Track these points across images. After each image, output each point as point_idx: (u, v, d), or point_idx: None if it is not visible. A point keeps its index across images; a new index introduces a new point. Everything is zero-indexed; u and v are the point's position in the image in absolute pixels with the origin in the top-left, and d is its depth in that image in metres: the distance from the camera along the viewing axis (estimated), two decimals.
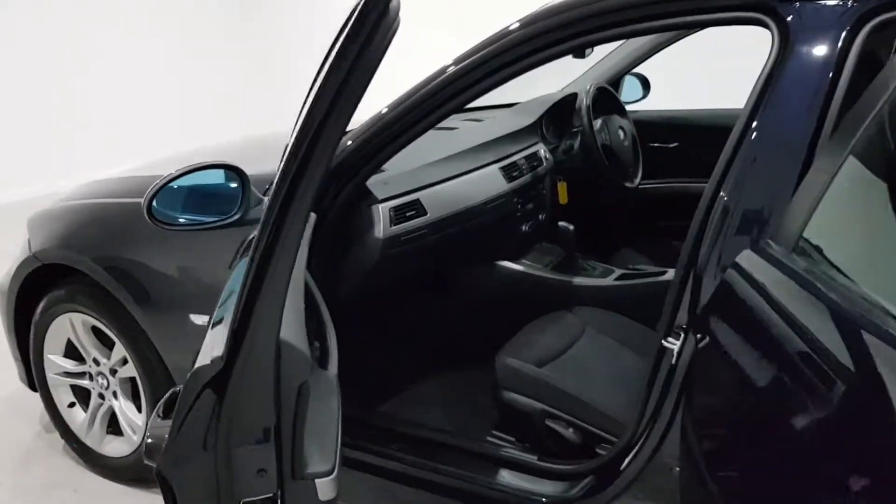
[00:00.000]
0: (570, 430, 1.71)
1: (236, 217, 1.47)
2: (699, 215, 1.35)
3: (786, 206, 1.23)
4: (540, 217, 2.43)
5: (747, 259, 1.16)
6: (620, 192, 2.60)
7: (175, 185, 1.40)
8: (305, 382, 0.95)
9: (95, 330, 2.16)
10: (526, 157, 2.37)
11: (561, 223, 2.29)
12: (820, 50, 1.23)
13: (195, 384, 0.91)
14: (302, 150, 0.87)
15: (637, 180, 2.64)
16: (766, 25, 1.30)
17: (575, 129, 2.65)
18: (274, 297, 0.88)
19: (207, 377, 0.90)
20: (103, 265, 1.99)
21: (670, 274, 2.16)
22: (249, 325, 0.87)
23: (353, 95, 0.88)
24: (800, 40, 1.25)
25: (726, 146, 1.33)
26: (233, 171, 1.47)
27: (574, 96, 2.73)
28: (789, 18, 1.26)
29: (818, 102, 1.22)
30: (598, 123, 2.55)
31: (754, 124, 1.28)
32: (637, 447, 1.44)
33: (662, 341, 1.38)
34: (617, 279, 2.25)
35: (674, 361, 1.35)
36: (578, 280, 2.25)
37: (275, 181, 0.93)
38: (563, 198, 2.55)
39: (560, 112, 2.68)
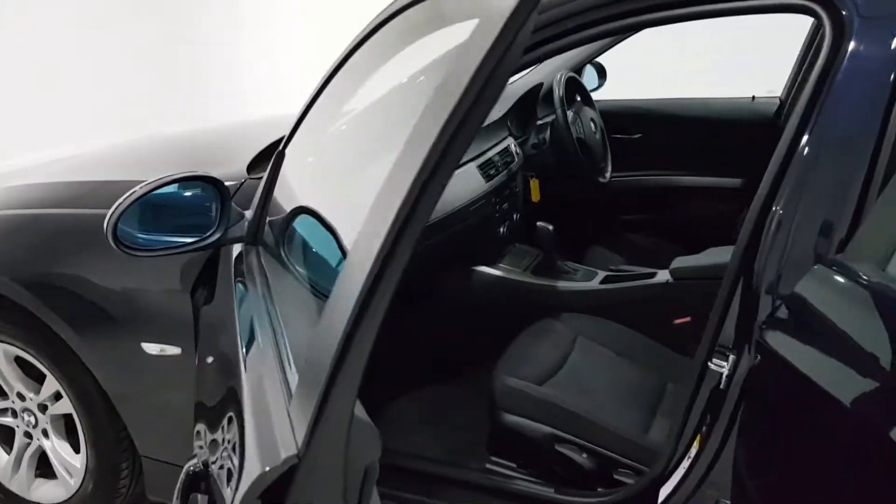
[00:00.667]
0: (584, 454, 1.57)
1: (216, 237, 1.24)
2: (748, 226, 1.22)
3: (849, 217, 1.14)
4: (514, 217, 2.28)
5: (820, 275, 1.05)
6: (593, 188, 2.48)
7: (143, 202, 1.15)
8: (373, 463, 0.76)
9: (19, 360, 1.87)
10: (499, 154, 2.21)
11: (539, 224, 2.14)
12: (883, 43, 1.12)
13: (257, 489, 0.70)
14: (414, 194, 0.66)
15: (608, 174, 2.52)
16: (815, 15, 1.18)
17: (542, 122, 2.50)
18: (354, 373, 0.68)
19: (273, 479, 0.69)
20: (27, 285, 1.71)
21: (661, 276, 2.06)
22: (323, 413, 0.67)
23: (483, 114, 0.67)
24: (858, 32, 1.14)
25: (777, 152, 1.20)
26: (208, 182, 1.23)
27: (539, 86, 2.58)
28: (845, 12, 1.15)
29: (882, 102, 1.12)
30: (569, 115, 2.41)
31: (809, 130, 1.16)
32: (680, 477, 1.31)
33: (708, 363, 1.25)
34: (602, 282, 2.12)
35: (722, 385, 1.23)
36: (562, 284, 2.11)
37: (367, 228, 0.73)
38: (535, 195, 2.41)
39: (523, 103, 2.53)
